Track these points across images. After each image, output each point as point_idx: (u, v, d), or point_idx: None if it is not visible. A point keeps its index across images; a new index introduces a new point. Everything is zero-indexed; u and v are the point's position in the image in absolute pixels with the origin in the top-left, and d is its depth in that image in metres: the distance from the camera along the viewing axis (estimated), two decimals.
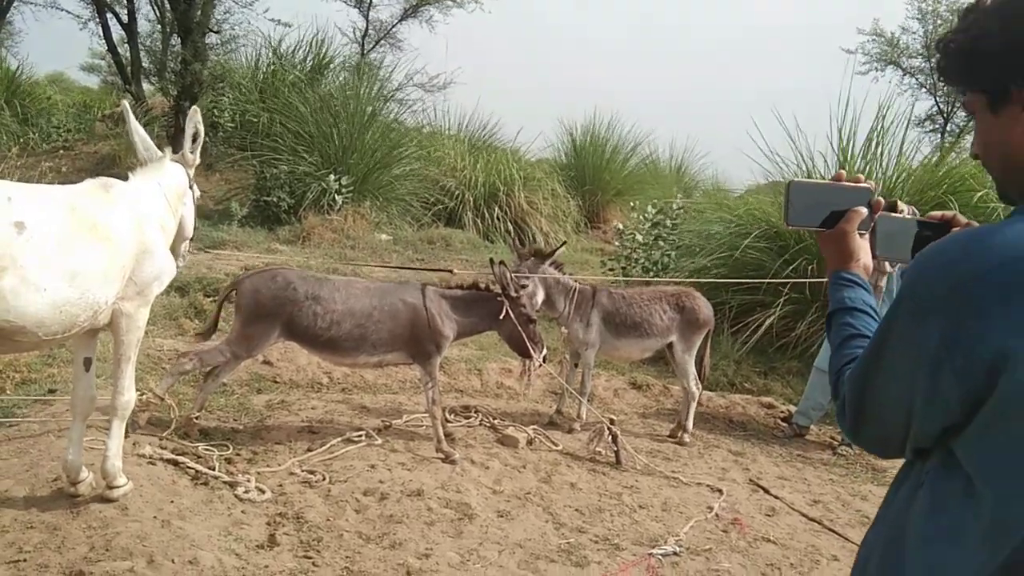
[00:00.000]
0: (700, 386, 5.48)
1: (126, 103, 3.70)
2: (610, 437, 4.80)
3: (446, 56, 25.90)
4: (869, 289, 1.40)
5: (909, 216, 1.48)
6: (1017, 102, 1.09)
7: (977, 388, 0.98)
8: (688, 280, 8.11)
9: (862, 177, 1.47)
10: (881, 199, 1.45)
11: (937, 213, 1.44)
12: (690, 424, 5.44)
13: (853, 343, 1.31)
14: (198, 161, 3.73)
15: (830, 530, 4.23)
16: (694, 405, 5.44)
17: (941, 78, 1.22)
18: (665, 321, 5.31)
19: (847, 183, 1.45)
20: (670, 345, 5.39)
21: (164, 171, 3.53)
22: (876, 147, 8.33)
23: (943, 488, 1.04)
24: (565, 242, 5.49)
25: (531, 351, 4.72)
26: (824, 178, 1.53)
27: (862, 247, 1.42)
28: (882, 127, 8.25)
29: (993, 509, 0.97)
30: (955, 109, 19.33)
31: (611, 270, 9.14)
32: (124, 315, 3.14)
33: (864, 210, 1.42)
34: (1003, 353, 0.95)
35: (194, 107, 3.72)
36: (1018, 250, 0.98)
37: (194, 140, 3.63)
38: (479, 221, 12.31)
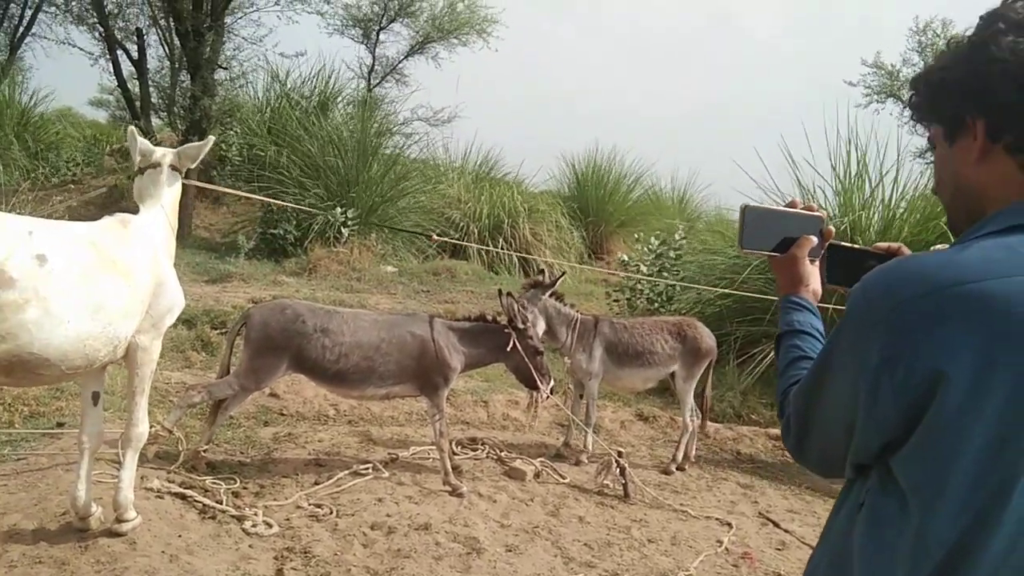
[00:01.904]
0: (696, 420, 5.49)
1: (132, 129, 3.73)
2: (618, 470, 4.78)
3: (456, 91, 26.19)
4: (817, 313, 1.44)
5: (859, 247, 1.53)
6: (970, 132, 1.12)
7: (914, 404, 1.00)
8: (691, 311, 8.16)
9: (815, 205, 1.51)
10: (832, 228, 1.49)
11: (883, 244, 1.48)
12: (680, 455, 5.46)
13: (799, 364, 1.34)
14: (198, 160, 3.72)
15: None
16: (686, 438, 5.46)
17: (913, 116, 1.25)
18: (667, 350, 5.34)
19: (801, 210, 1.49)
20: (672, 375, 5.41)
21: (164, 188, 3.49)
22: (876, 178, 8.40)
23: (881, 505, 1.06)
24: (564, 272, 5.55)
25: (538, 383, 4.72)
26: (819, 207, 1.55)
27: (812, 273, 1.46)
28: (881, 158, 8.34)
29: (918, 526, 0.99)
30: None
31: (616, 301, 9.17)
32: (140, 348, 3.17)
33: (815, 238, 1.46)
34: (938, 375, 0.98)
35: (210, 137, 3.77)
36: (958, 276, 1.00)
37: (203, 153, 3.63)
38: (484, 253, 12.37)
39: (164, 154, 3.57)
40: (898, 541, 1.02)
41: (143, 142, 3.55)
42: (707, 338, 5.47)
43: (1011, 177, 1.10)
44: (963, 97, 1.13)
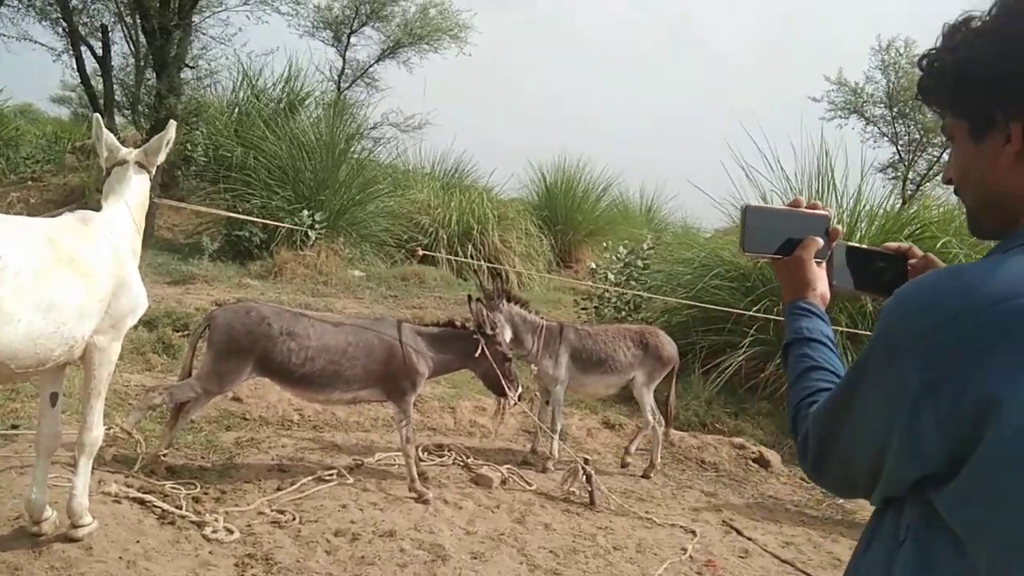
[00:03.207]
0: (659, 417, 5.57)
1: (97, 116, 3.66)
2: (584, 477, 4.79)
3: (424, 96, 26.15)
4: (826, 319, 1.34)
5: (867, 247, 1.45)
6: (1002, 133, 1.02)
7: (961, 437, 0.90)
8: (658, 320, 8.22)
9: (819, 204, 1.41)
10: (839, 227, 1.40)
11: (893, 244, 1.41)
12: (633, 448, 5.58)
13: (812, 376, 1.24)
14: (161, 161, 3.65)
15: (803, 572, 4.25)
16: (645, 434, 5.55)
17: (920, 98, 1.14)
18: (629, 358, 5.42)
19: (804, 210, 1.40)
20: (632, 380, 5.49)
21: (129, 185, 3.43)
22: (829, 191, 8.56)
23: (930, 545, 0.96)
24: (500, 274, 5.55)
25: (506, 389, 4.71)
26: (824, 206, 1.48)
27: (819, 276, 1.36)
28: (831, 171, 8.50)
29: (990, 573, 0.90)
30: (915, 158, 19.95)
31: (584, 309, 9.21)
32: (97, 349, 3.09)
33: (820, 240, 1.37)
34: (990, 401, 0.88)
35: (172, 120, 3.68)
36: (1006, 291, 0.90)
37: (165, 146, 3.54)
38: (453, 259, 12.35)
39: (130, 151, 3.51)
40: None
41: (109, 136, 3.48)
42: (668, 346, 5.56)
43: None
44: (992, 97, 1.01)
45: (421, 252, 5.25)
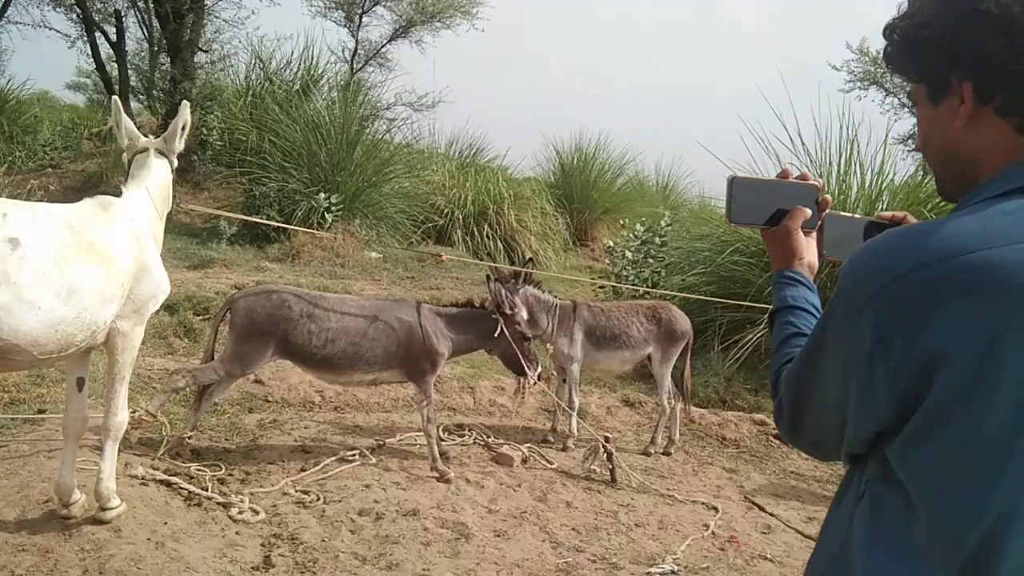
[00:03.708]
0: (676, 402, 5.56)
1: (116, 99, 3.67)
2: (605, 455, 4.79)
3: (434, 75, 25.98)
4: (813, 288, 1.36)
5: (859, 216, 1.44)
6: (956, 94, 1.04)
7: (909, 390, 0.93)
8: (674, 296, 8.18)
9: (809, 174, 1.42)
10: (828, 197, 1.39)
11: (888, 213, 1.39)
12: (659, 437, 5.53)
13: (793, 342, 1.26)
14: (181, 148, 3.66)
15: None
16: (664, 419, 5.53)
17: (888, 66, 1.16)
18: (642, 333, 5.44)
19: (793, 180, 1.40)
20: (648, 358, 5.49)
21: (150, 172, 3.46)
22: (855, 164, 8.43)
23: (884, 497, 0.99)
24: (531, 259, 5.56)
25: (526, 368, 4.71)
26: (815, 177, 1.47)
27: (807, 245, 1.37)
28: (857, 142, 8.36)
29: (931, 521, 0.93)
30: None
31: (602, 288, 9.18)
32: (120, 334, 3.11)
33: (808, 211, 1.37)
34: (936, 354, 0.91)
35: (184, 102, 3.69)
36: (956, 247, 0.92)
37: (182, 130, 3.56)
38: (469, 239, 12.32)
39: (150, 140, 3.54)
40: (905, 537, 0.95)
41: (129, 124, 3.50)
42: (682, 321, 5.56)
43: (1004, 140, 1.03)
44: (946, 57, 1.04)
45: (444, 257, 5.21)
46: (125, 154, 3.53)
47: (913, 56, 1.09)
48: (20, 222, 2.73)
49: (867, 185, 8.42)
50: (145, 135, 3.65)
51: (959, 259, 0.92)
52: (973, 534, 0.90)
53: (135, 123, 3.70)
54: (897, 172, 8.79)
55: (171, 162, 3.60)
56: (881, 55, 1.16)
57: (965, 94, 1.03)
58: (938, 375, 0.91)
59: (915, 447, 0.95)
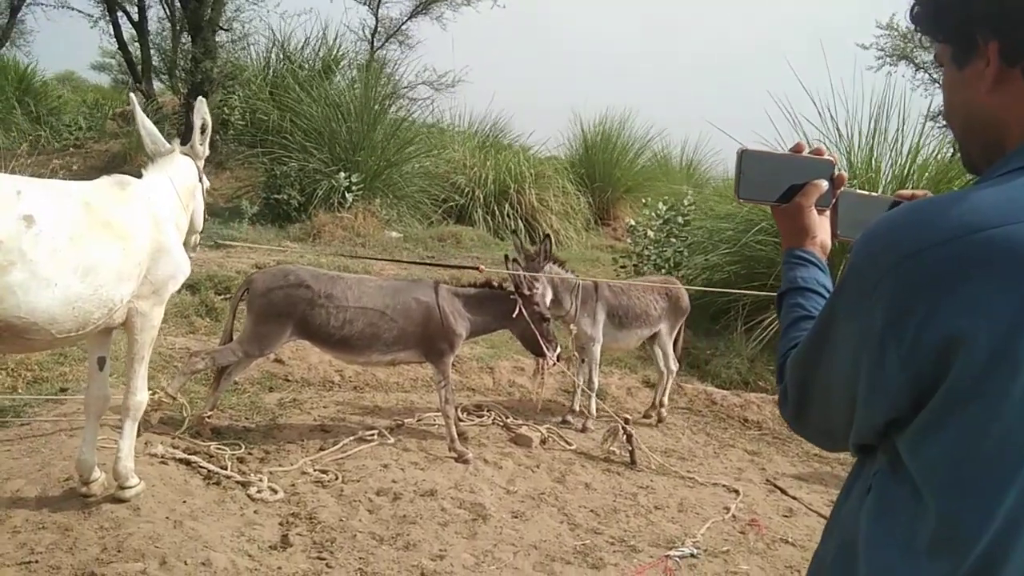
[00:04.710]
0: (674, 367, 5.75)
1: (134, 97, 3.67)
2: (624, 436, 4.75)
3: (453, 53, 25.76)
4: (825, 269, 1.29)
5: (877, 194, 1.36)
6: (982, 56, 0.97)
7: (924, 375, 0.87)
8: (699, 278, 8.07)
9: (824, 148, 1.33)
10: (844, 173, 1.32)
11: (907, 191, 1.32)
12: (665, 399, 5.69)
13: (801, 325, 1.20)
14: (207, 153, 3.68)
15: None
16: (671, 381, 5.72)
17: (915, 27, 1.10)
18: (658, 311, 5.61)
19: (807, 155, 1.32)
20: (658, 331, 5.64)
21: (175, 166, 3.50)
22: (882, 140, 8.24)
23: (890, 490, 0.94)
24: (548, 235, 5.55)
25: (545, 349, 4.68)
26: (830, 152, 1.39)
27: (820, 224, 1.30)
28: (886, 119, 8.16)
29: (939, 517, 0.87)
30: None
31: (623, 267, 9.10)
32: (139, 314, 3.11)
33: (824, 184, 1.29)
34: (954, 336, 0.85)
35: (200, 98, 3.66)
36: (977, 221, 0.86)
37: (202, 132, 3.58)
38: (489, 218, 12.26)
39: (173, 148, 3.55)
40: (911, 532, 0.90)
41: (151, 127, 3.50)
42: (685, 296, 5.82)
43: None
44: (971, 16, 0.97)
45: (483, 268, 5.19)
46: (149, 153, 3.53)
47: (938, 13, 1.03)
48: (35, 199, 2.72)
49: (899, 164, 8.23)
50: (167, 134, 3.66)
51: (980, 235, 0.86)
52: (986, 532, 0.84)
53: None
54: (929, 149, 8.60)
55: (198, 167, 3.61)
56: (908, 15, 1.09)
57: (991, 54, 0.96)
58: (955, 360, 0.85)
59: (928, 437, 0.89)
